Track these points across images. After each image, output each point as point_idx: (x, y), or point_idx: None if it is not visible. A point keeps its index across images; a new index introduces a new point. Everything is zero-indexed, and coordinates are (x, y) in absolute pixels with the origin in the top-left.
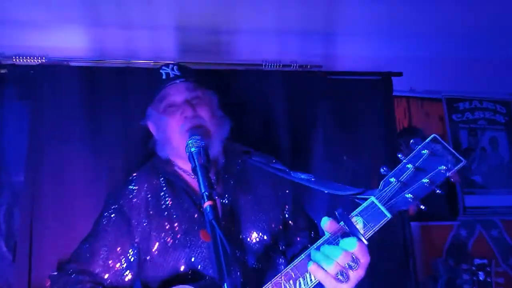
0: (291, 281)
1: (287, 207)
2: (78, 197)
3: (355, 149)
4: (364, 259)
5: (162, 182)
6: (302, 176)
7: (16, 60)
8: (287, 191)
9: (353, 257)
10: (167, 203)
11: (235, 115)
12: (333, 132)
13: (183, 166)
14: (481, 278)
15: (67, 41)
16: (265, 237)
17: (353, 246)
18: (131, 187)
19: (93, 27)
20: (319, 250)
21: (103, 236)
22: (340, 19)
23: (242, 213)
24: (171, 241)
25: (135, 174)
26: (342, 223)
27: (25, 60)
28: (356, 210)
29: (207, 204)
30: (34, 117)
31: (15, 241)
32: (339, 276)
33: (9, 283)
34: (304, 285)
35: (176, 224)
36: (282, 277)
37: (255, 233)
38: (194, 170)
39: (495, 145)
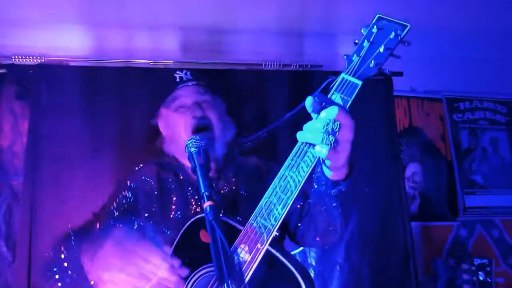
0: (294, 169)
1: None
2: (78, 197)
3: (354, 148)
4: (347, 121)
5: (168, 172)
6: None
7: (15, 60)
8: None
9: (333, 121)
10: (171, 190)
11: (235, 114)
12: None
13: (187, 163)
14: (481, 278)
15: (66, 40)
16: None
17: (332, 112)
18: (138, 175)
19: (92, 27)
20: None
21: (112, 213)
22: (340, 19)
23: (240, 203)
24: (170, 223)
25: (141, 165)
26: (323, 104)
27: (24, 60)
28: (331, 90)
29: (207, 204)
30: (33, 117)
31: (15, 241)
32: (326, 142)
33: (9, 283)
34: (307, 168)
35: (175, 209)
36: (286, 170)
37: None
38: (193, 170)
39: (496, 145)
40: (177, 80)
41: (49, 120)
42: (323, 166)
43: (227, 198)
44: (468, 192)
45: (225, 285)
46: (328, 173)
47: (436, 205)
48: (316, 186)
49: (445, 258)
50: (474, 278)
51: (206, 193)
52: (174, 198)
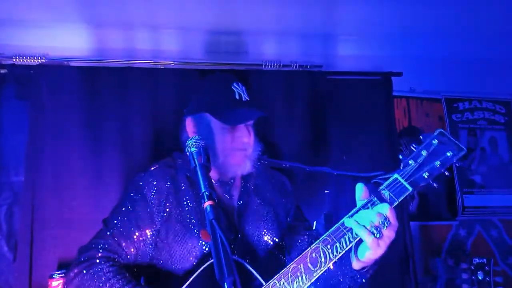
0: (328, 246)
1: (292, 212)
2: (78, 196)
3: (354, 149)
4: (395, 222)
5: (182, 176)
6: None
7: (16, 60)
8: (292, 199)
9: (385, 217)
10: (186, 196)
11: None
12: (333, 132)
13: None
14: (480, 277)
15: (67, 41)
16: (274, 237)
17: (385, 209)
18: (153, 177)
19: (93, 27)
20: (352, 217)
21: (125, 218)
22: (340, 19)
23: (255, 214)
24: (186, 231)
25: (157, 165)
26: (372, 196)
27: (25, 60)
28: (383, 185)
29: (207, 204)
30: (34, 117)
31: (16, 241)
32: (373, 231)
33: (10, 283)
34: (340, 249)
35: (192, 216)
36: (320, 243)
37: (265, 232)
38: (194, 170)
39: (495, 145)
40: (236, 96)
41: (49, 120)
42: (354, 254)
43: (241, 205)
44: (467, 192)
45: (225, 283)
46: (355, 260)
47: (435, 204)
48: (332, 268)
49: (444, 258)
50: (473, 277)
51: (207, 193)
52: (190, 204)
